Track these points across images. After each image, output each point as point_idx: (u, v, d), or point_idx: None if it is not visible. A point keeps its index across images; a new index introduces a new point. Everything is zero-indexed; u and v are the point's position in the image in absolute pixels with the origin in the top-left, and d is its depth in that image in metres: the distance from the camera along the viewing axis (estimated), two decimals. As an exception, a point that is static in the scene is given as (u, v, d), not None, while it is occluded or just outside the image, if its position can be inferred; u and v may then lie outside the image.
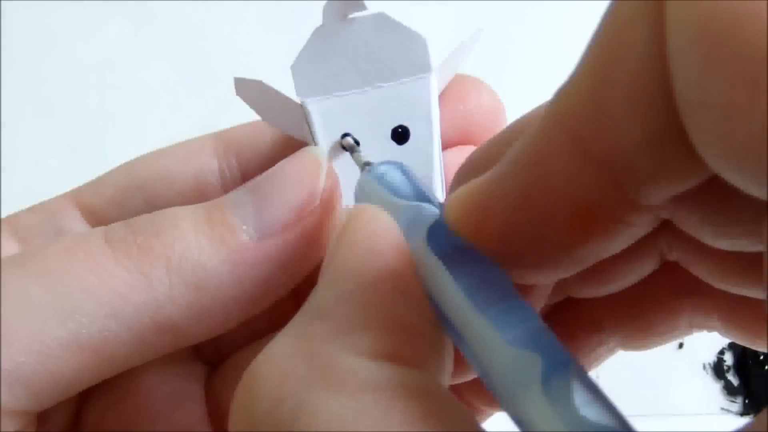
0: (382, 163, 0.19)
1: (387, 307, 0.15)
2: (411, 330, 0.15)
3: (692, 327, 0.20)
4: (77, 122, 0.52)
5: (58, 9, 0.56)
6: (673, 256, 0.18)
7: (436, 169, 0.21)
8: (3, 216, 0.23)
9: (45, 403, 0.18)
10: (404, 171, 0.19)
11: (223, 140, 0.24)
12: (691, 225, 0.15)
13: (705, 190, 0.14)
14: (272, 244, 0.19)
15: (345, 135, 0.21)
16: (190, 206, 0.20)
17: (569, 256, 0.15)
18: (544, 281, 0.18)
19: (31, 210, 0.23)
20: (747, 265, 0.17)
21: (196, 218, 0.19)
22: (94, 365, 0.18)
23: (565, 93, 0.14)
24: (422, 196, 0.18)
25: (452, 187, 0.19)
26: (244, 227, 0.19)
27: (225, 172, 0.24)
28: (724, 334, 0.20)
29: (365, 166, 0.20)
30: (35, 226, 0.23)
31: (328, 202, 0.20)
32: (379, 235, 0.16)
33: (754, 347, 0.20)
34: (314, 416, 0.13)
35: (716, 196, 0.14)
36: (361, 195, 0.19)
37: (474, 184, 0.15)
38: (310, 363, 0.14)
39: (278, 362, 0.15)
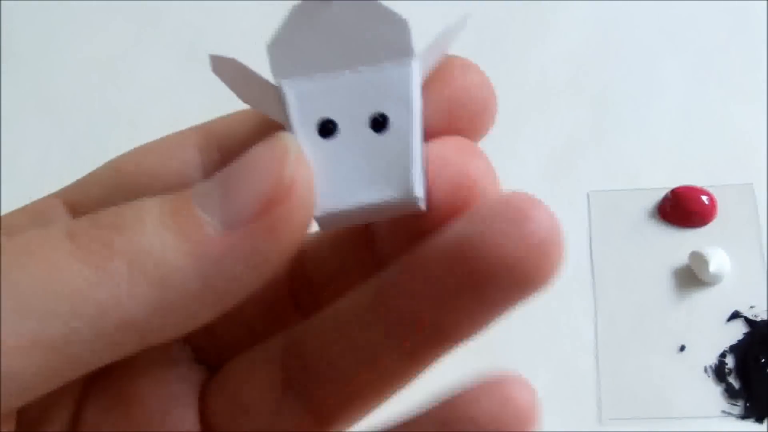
0: None
1: None
2: None
3: None
4: (77, 122, 0.52)
5: (58, 9, 0.56)
6: None
7: (416, 160, 0.20)
8: (3, 215, 0.23)
9: (11, 404, 0.18)
10: None
11: (204, 132, 0.23)
12: None
13: None
14: (238, 236, 0.18)
15: (326, 120, 0.20)
16: (157, 197, 0.19)
17: None
18: None
19: (21, 210, 0.23)
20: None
21: (161, 211, 0.19)
22: (57, 364, 0.18)
23: None
24: None
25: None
26: (209, 219, 0.19)
27: (207, 165, 0.23)
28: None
29: None
30: (24, 225, 0.23)
31: (299, 193, 0.19)
32: None
33: None
34: None
35: None
36: None
37: None
38: None
39: None
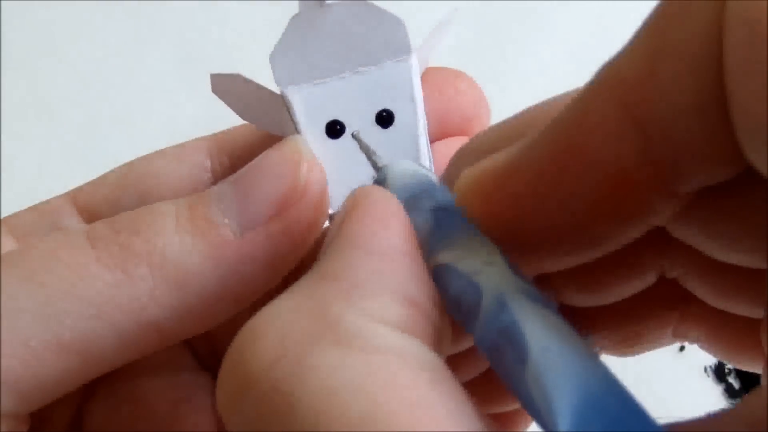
0: (395, 163, 0.19)
1: (398, 280, 0.15)
2: (419, 306, 0.15)
3: (676, 337, 0.20)
4: (77, 122, 0.52)
5: (58, 9, 0.56)
6: (673, 274, 0.18)
7: (423, 150, 0.21)
8: (3, 215, 0.23)
9: (33, 405, 0.18)
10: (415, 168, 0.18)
11: (216, 140, 0.24)
12: (701, 238, 0.16)
13: (723, 199, 0.14)
14: (255, 238, 0.19)
15: (333, 122, 0.21)
16: (172, 201, 0.20)
17: (586, 236, 0.15)
18: (549, 268, 0.17)
19: (29, 209, 0.23)
20: (746, 283, 0.17)
21: (178, 214, 0.19)
22: (79, 365, 0.18)
23: (616, 62, 0.15)
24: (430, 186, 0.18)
25: (450, 171, 0.18)
26: (226, 221, 0.19)
27: (217, 170, 0.23)
28: (705, 347, 0.20)
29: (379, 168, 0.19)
30: (33, 224, 0.23)
31: (313, 194, 0.19)
32: (388, 213, 0.16)
33: (732, 363, 0.20)
34: (318, 372, 0.13)
35: (732, 206, 0.15)
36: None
37: (493, 159, 0.15)
38: (318, 320, 0.14)
39: (282, 318, 0.14)
